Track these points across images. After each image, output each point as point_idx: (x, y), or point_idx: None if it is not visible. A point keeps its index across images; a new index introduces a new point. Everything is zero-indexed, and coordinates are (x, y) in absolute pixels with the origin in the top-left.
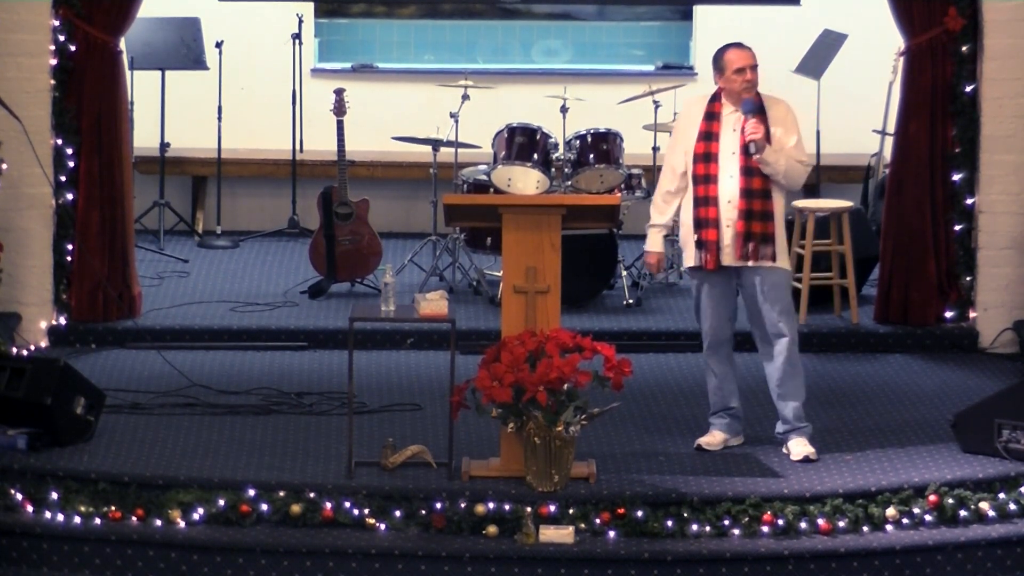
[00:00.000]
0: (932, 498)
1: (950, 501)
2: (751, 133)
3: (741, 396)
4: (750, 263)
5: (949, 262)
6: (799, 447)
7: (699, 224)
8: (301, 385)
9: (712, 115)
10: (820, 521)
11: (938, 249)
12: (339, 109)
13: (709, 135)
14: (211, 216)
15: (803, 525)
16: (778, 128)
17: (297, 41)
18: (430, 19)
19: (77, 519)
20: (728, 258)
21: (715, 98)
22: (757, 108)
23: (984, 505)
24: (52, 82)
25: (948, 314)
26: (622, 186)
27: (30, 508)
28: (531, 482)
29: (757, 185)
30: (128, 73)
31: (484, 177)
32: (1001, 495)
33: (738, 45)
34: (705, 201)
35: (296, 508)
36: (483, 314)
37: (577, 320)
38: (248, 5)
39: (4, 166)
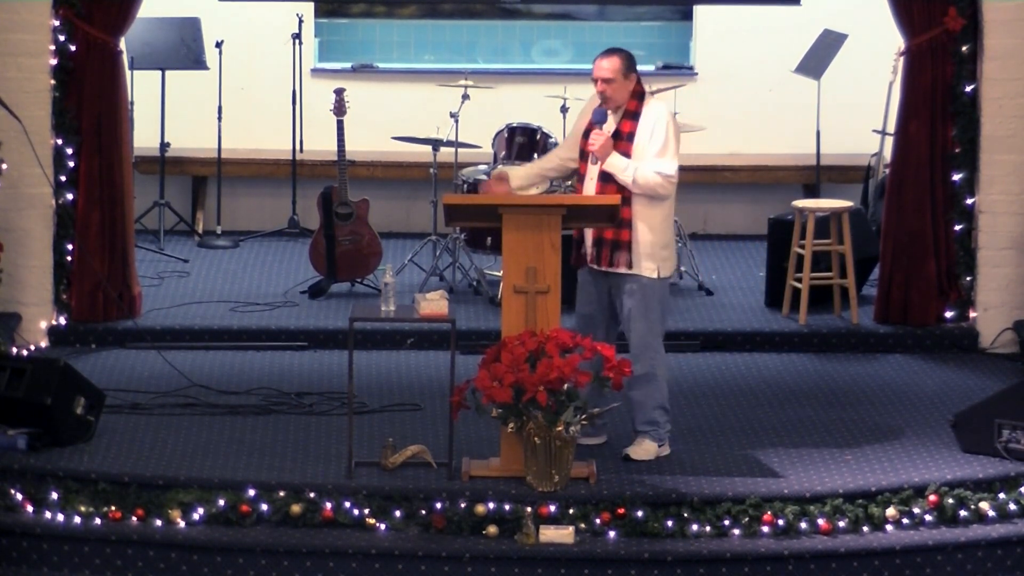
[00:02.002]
0: (932, 498)
1: (950, 501)
2: (589, 144)
3: (739, 396)
4: (609, 268)
5: (949, 262)
6: (634, 446)
7: None
8: (301, 385)
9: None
10: (820, 521)
11: (938, 249)
12: (339, 109)
13: (589, 134)
14: (211, 216)
15: (803, 525)
16: (644, 136)
17: (297, 41)
18: (430, 19)
19: (77, 519)
20: (588, 259)
21: None
22: (605, 118)
23: (984, 505)
24: (52, 82)
25: (948, 314)
26: None
27: (30, 508)
28: (531, 482)
29: (611, 192)
30: (128, 73)
31: (484, 177)
32: (1001, 495)
33: (603, 53)
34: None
35: (296, 508)
36: (483, 314)
37: None
38: (248, 5)
39: (4, 166)
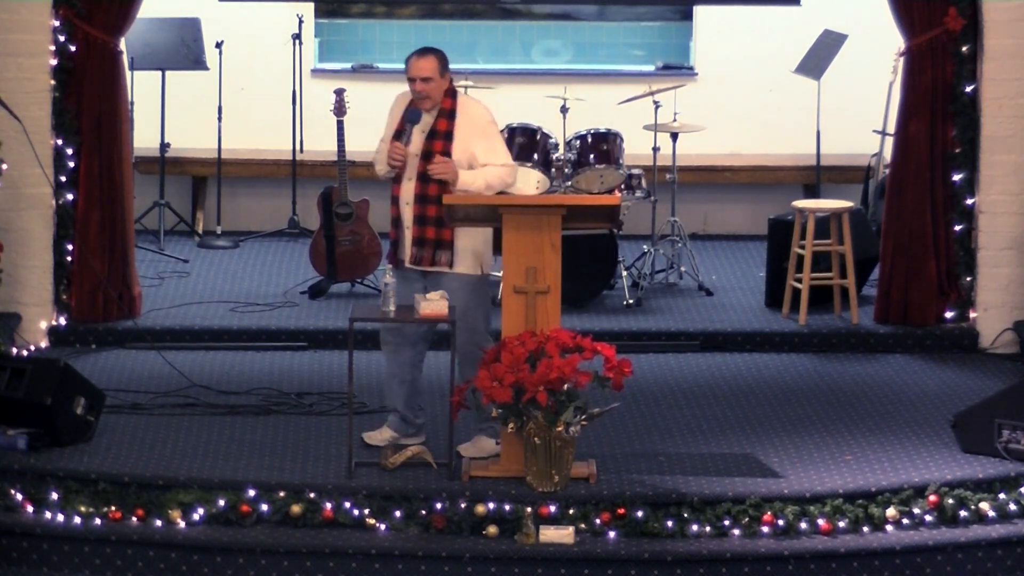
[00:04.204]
0: (932, 498)
1: (950, 501)
2: (431, 170)
3: (739, 396)
4: (429, 268)
5: (949, 262)
6: (468, 444)
7: (392, 221)
8: (301, 385)
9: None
10: (820, 521)
11: (938, 249)
12: (339, 109)
13: (401, 134)
14: (211, 216)
15: (803, 525)
16: (465, 134)
17: (297, 41)
18: (430, 19)
19: (77, 519)
20: (407, 260)
21: None
22: (418, 117)
23: (984, 505)
24: (52, 82)
25: (948, 314)
26: (622, 186)
27: (30, 508)
28: (531, 482)
29: (432, 191)
30: (128, 73)
31: None
32: (1001, 495)
33: (418, 53)
34: (394, 200)
35: (296, 508)
36: None
37: (577, 320)
38: (248, 5)
39: (4, 166)
